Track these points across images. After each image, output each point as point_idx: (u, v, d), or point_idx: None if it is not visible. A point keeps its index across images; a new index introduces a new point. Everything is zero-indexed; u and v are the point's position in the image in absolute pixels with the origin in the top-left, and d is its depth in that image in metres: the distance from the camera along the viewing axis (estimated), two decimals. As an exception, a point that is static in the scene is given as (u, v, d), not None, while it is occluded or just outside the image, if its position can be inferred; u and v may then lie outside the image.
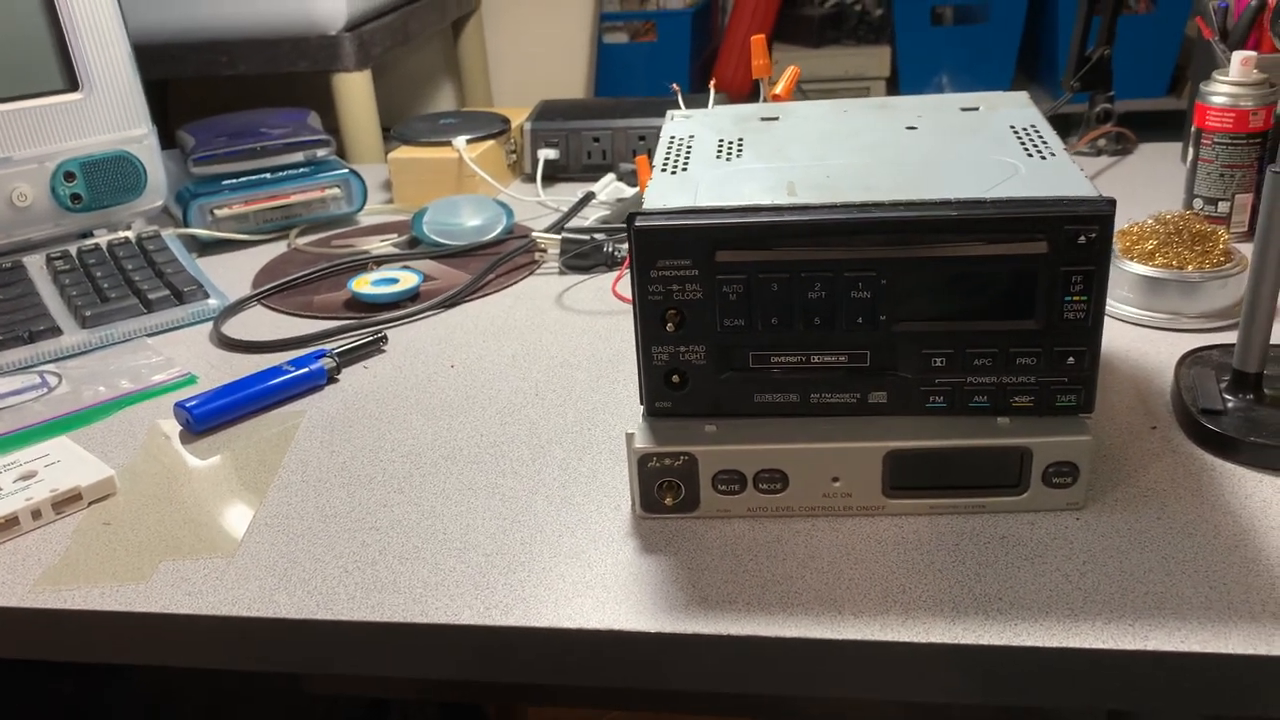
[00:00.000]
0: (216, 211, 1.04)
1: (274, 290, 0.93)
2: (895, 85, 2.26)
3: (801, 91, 0.92)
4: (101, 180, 0.94)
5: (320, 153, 1.08)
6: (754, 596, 0.52)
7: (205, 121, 1.14)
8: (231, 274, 0.98)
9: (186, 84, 1.81)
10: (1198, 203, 0.90)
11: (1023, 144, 0.61)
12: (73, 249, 0.93)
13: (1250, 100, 0.85)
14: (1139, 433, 0.64)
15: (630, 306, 0.86)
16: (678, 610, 0.52)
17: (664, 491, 0.58)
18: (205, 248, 1.04)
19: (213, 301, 0.90)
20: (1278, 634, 0.48)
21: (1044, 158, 0.59)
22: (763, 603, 0.52)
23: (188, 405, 0.71)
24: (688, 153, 0.65)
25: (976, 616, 0.50)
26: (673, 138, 0.68)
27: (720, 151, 0.64)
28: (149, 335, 0.87)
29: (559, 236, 0.95)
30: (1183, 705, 0.49)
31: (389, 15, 1.71)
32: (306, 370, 0.75)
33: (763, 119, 0.71)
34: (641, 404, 0.59)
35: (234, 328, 0.87)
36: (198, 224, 1.03)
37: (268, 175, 1.06)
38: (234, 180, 1.05)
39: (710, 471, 0.57)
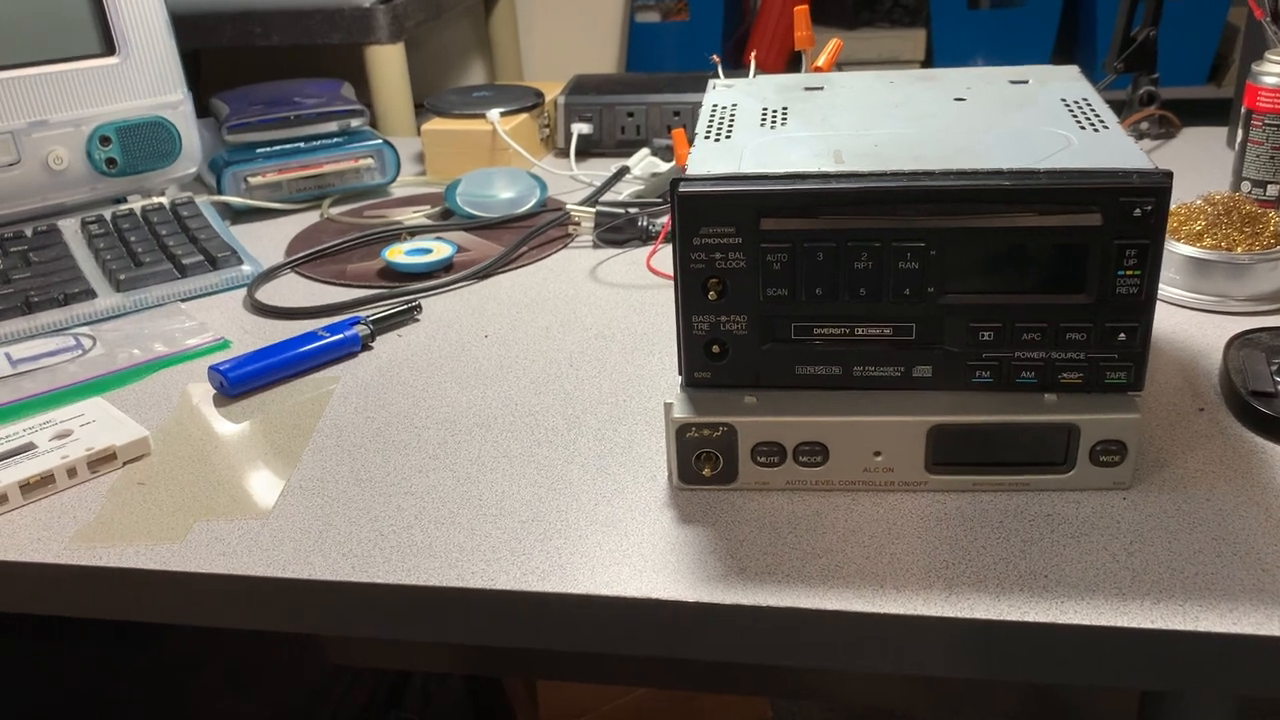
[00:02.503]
0: (250, 179, 1.03)
1: (308, 258, 0.93)
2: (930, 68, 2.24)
3: (839, 70, 0.91)
4: (137, 145, 0.94)
5: (354, 123, 1.07)
6: (794, 569, 0.52)
7: (239, 90, 1.14)
8: (264, 242, 0.98)
9: (219, 54, 1.81)
10: (1246, 185, 0.88)
11: (1075, 116, 0.60)
12: (107, 213, 0.93)
13: (1303, 81, 0.83)
14: (1186, 414, 0.63)
15: (666, 281, 0.85)
16: (716, 580, 0.51)
17: (702, 462, 0.57)
18: (238, 216, 1.04)
19: (246, 268, 0.90)
20: (1332, 618, 0.47)
21: (1097, 130, 0.58)
22: (803, 575, 0.51)
23: (222, 368, 0.71)
24: (731, 120, 0.64)
25: (1021, 594, 0.49)
26: (715, 105, 0.67)
27: (764, 120, 0.63)
28: (182, 300, 0.87)
29: (593, 210, 0.94)
30: (1232, 686, 0.48)
31: (422, -11, 1.70)
32: (341, 336, 0.75)
33: (807, 89, 0.70)
34: (680, 374, 0.58)
35: (267, 294, 0.87)
36: (231, 192, 1.03)
37: (301, 144, 1.05)
38: (268, 149, 1.04)
39: (750, 443, 0.57)
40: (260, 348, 0.73)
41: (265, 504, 0.60)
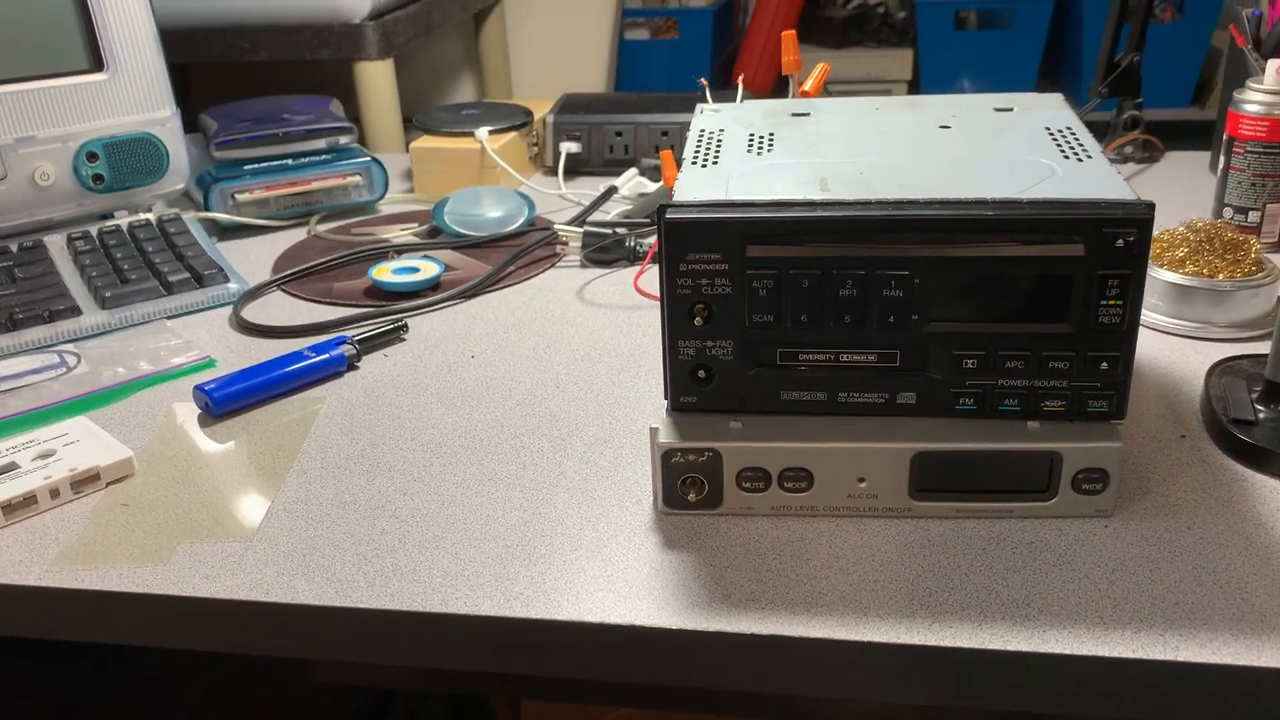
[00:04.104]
0: (238, 196, 1.03)
1: (294, 276, 0.93)
2: (917, 88, 2.25)
3: (826, 91, 0.92)
4: (124, 161, 0.94)
5: (342, 140, 1.07)
6: (777, 596, 0.52)
7: (228, 106, 1.14)
8: (251, 259, 0.98)
9: (207, 69, 1.81)
10: (1228, 211, 0.89)
11: (1058, 145, 0.61)
12: (93, 230, 0.93)
13: (1284, 109, 0.84)
14: (1168, 442, 0.63)
15: (653, 301, 0.85)
16: (700, 607, 0.51)
17: (687, 487, 0.57)
18: (225, 232, 1.04)
19: (233, 285, 0.90)
20: (1311, 648, 0.47)
21: (1080, 160, 0.58)
22: (786, 602, 0.51)
23: (207, 388, 0.71)
24: (718, 146, 0.64)
25: (1004, 622, 0.49)
26: (703, 131, 0.67)
27: (751, 146, 0.64)
28: (168, 318, 0.87)
29: (581, 230, 0.94)
30: (1213, 718, 0.48)
31: (412, 5, 1.71)
32: (327, 356, 0.75)
33: (793, 114, 0.70)
34: (666, 398, 0.58)
35: (254, 312, 0.87)
36: (219, 208, 1.03)
37: (289, 161, 1.05)
38: (255, 165, 1.04)
39: (735, 468, 0.57)
40: (245, 367, 0.73)
41: (249, 526, 0.59)
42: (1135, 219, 0.51)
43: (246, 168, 1.04)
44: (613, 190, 1.04)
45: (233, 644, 0.55)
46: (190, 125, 1.06)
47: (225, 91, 1.29)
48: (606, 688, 1.06)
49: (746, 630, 0.50)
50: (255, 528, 0.59)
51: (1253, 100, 0.86)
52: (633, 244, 0.94)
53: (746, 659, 0.50)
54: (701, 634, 0.50)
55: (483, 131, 1.10)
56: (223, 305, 0.89)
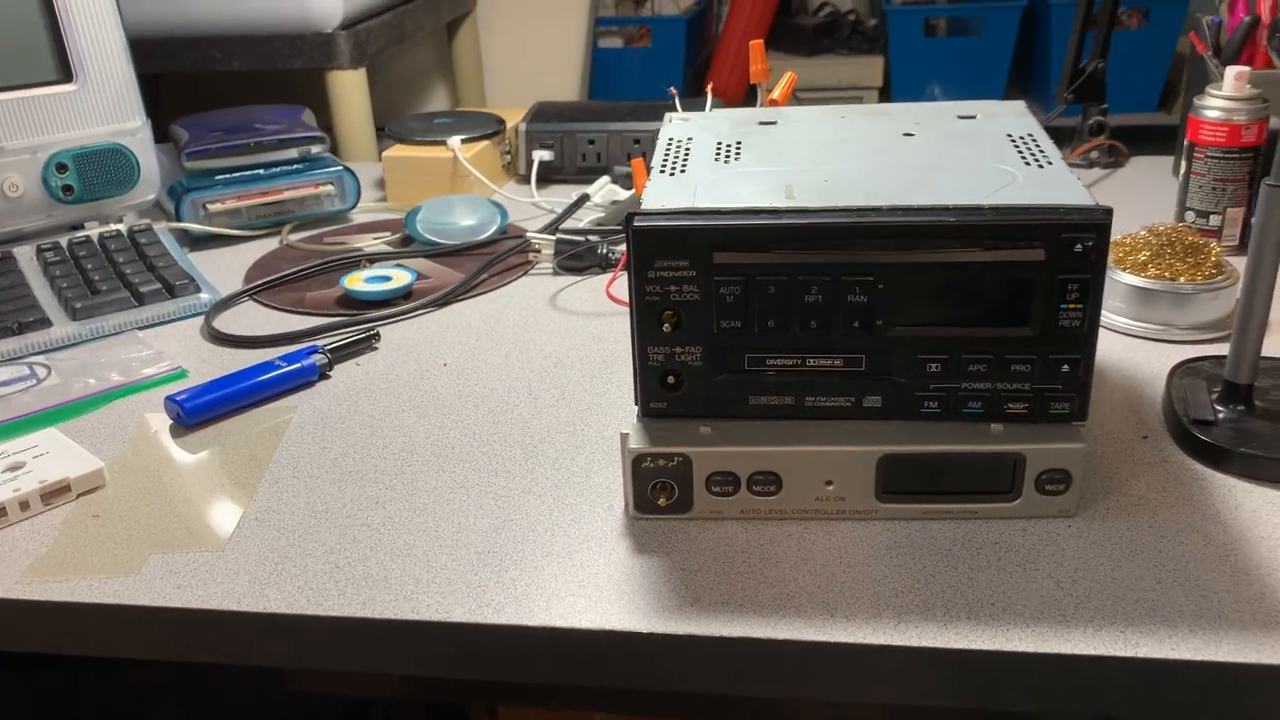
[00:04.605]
0: (209, 206, 1.03)
1: (266, 286, 0.93)
2: (888, 95, 2.27)
3: (796, 99, 0.93)
4: (94, 172, 0.93)
5: (314, 149, 1.08)
6: (747, 598, 0.52)
7: (199, 116, 1.13)
8: (223, 269, 0.98)
9: (179, 79, 1.80)
10: (1190, 215, 0.90)
11: (1020, 152, 0.62)
12: (63, 241, 0.93)
13: (1243, 115, 0.86)
14: (1130, 442, 0.64)
15: (625, 308, 0.85)
16: (670, 611, 0.52)
17: (658, 492, 0.58)
18: (197, 242, 1.04)
19: (204, 296, 0.89)
20: (1267, 642, 0.48)
21: (1041, 166, 0.59)
22: (756, 604, 0.52)
23: (178, 399, 0.71)
24: (686, 155, 0.65)
25: (969, 621, 0.50)
26: (671, 140, 0.68)
27: (718, 154, 0.65)
28: (139, 328, 0.87)
29: (553, 237, 0.95)
30: (1172, 713, 0.49)
31: (384, 14, 1.71)
32: (298, 366, 0.75)
33: (760, 123, 0.71)
34: (636, 404, 0.59)
35: (225, 322, 0.87)
36: (190, 218, 1.03)
37: (261, 171, 1.05)
38: (227, 175, 1.04)
39: (704, 473, 0.57)
40: (217, 377, 0.73)
41: (221, 536, 0.59)
42: (1093, 224, 0.52)
43: (218, 178, 1.04)
44: (585, 198, 1.04)
45: (205, 653, 0.55)
46: (161, 136, 1.05)
47: (197, 102, 1.29)
48: (588, 693, 1.06)
49: (716, 633, 0.50)
50: (227, 537, 0.59)
51: (1212, 106, 0.87)
52: (605, 251, 0.94)
53: (716, 661, 0.51)
54: (672, 637, 0.51)
55: (455, 140, 1.11)
56: (194, 315, 0.89)
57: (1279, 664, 0.47)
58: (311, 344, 0.79)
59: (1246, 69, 0.87)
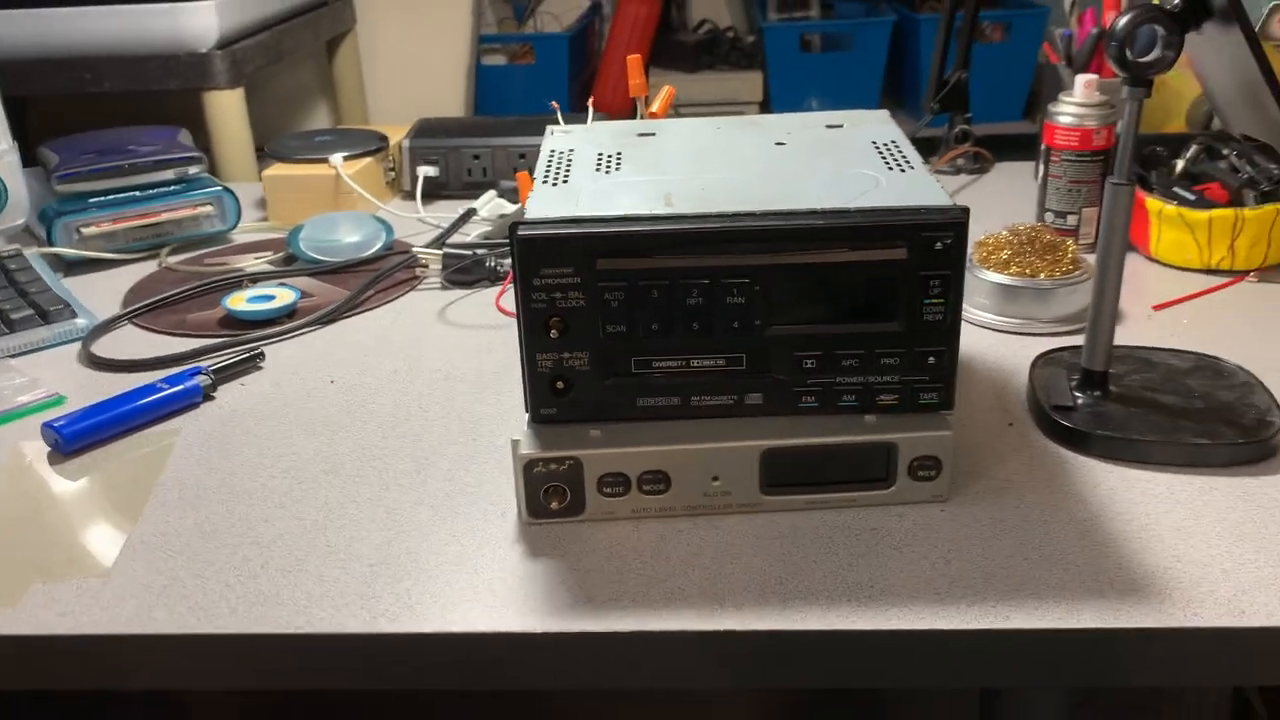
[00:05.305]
0: (83, 230, 1.01)
1: (146, 309, 0.91)
2: (768, 108, 2.32)
3: (677, 114, 0.95)
4: (-42, 197, 0.90)
5: (192, 170, 1.06)
6: (639, 594, 0.54)
7: (69, 139, 1.10)
8: (100, 294, 0.95)
9: (47, 102, 1.74)
10: (1049, 216, 0.96)
11: (883, 158, 0.65)
12: (-73, 269, 0.89)
13: (1093, 120, 0.91)
14: (998, 430, 0.68)
15: (514, 320, 0.86)
16: (564, 611, 0.53)
17: (550, 496, 0.59)
18: (71, 267, 1.01)
19: (80, 321, 0.87)
20: (1124, 609, 0.51)
21: (903, 170, 0.63)
22: (647, 599, 0.53)
23: (56, 425, 0.69)
24: (568, 166, 0.66)
25: (850, 604, 0.52)
26: (553, 151, 0.69)
27: (600, 165, 0.66)
28: (11, 356, 0.84)
29: (440, 252, 0.95)
30: (1044, 679, 0.52)
31: (261, 33, 1.69)
32: (181, 388, 0.74)
33: (640, 135, 0.73)
34: (527, 411, 0.60)
35: (104, 347, 0.85)
36: (63, 243, 1.00)
37: (137, 193, 1.03)
38: (101, 198, 1.02)
39: (595, 475, 0.59)
40: (97, 402, 0.72)
41: (105, 562, 0.58)
42: (951, 223, 0.55)
43: (92, 200, 1.01)
44: (471, 212, 1.05)
45: (93, 680, 0.54)
46: (30, 160, 1.02)
47: (68, 125, 1.25)
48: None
49: (609, 629, 0.52)
50: (111, 563, 0.58)
51: (1065, 112, 0.93)
52: (493, 264, 0.95)
53: (611, 657, 0.52)
54: (567, 635, 0.52)
55: (337, 158, 1.10)
56: (71, 341, 0.86)
57: (1134, 627, 0.50)
58: (195, 365, 0.78)
59: (1095, 77, 0.92)
